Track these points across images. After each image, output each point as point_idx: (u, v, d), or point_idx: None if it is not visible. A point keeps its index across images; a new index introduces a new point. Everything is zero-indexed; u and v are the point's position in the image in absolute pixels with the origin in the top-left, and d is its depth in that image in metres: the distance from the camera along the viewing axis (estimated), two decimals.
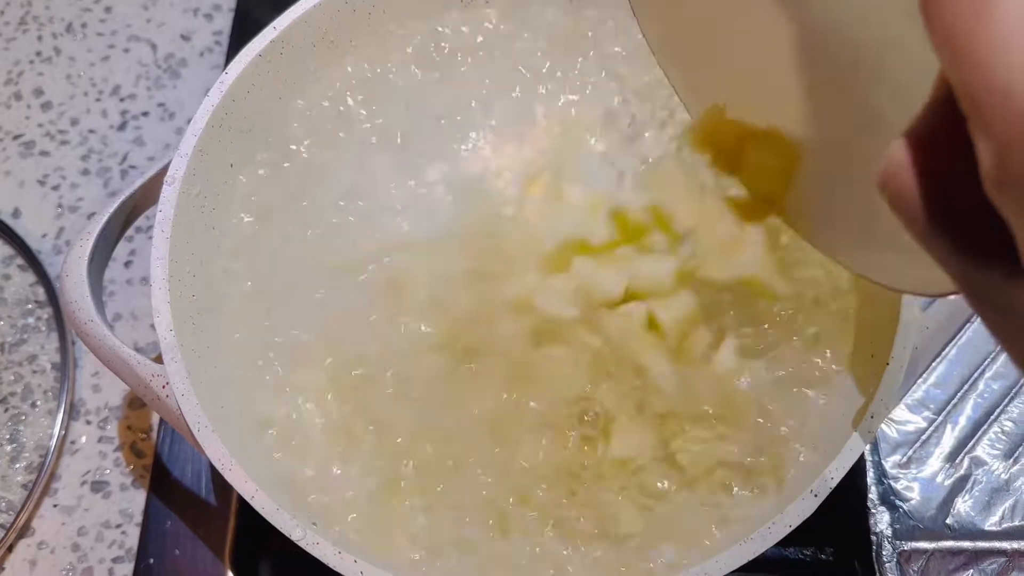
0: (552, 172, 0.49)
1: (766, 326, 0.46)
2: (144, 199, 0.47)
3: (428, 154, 0.50)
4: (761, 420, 0.44)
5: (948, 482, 0.50)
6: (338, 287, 0.47)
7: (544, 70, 0.52)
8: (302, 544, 0.37)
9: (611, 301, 0.45)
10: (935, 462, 0.50)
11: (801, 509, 0.37)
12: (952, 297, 0.42)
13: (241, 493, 0.38)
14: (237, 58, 0.46)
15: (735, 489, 0.42)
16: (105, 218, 0.44)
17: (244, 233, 0.48)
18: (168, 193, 0.43)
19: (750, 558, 0.37)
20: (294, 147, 0.50)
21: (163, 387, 0.41)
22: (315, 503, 0.42)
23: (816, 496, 0.37)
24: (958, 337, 0.53)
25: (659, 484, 0.43)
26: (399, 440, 0.44)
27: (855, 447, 0.38)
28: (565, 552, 0.41)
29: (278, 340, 0.46)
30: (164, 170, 0.44)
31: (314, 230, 0.49)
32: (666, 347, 0.44)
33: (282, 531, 0.38)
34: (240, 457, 0.39)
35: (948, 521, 0.49)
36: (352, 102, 0.51)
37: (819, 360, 0.44)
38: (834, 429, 0.42)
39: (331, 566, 0.37)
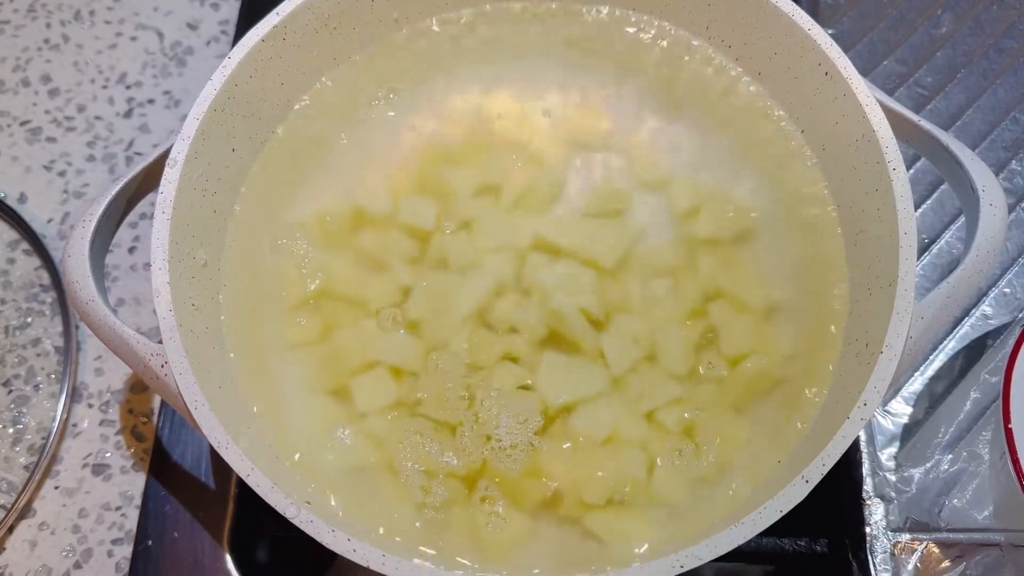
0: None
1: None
2: (147, 182, 0.47)
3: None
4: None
5: (943, 475, 0.50)
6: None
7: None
8: (296, 522, 0.37)
9: None
10: (931, 455, 0.50)
11: (792, 495, 0.37)
12: (947, 288, 0.42)
13: (237, 471, 0.38)
14: (240, 43, 0.46)
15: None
16: (108, 200, 0.45)
17: (245, 218, 0.48)
18: (170, 175, 0.43)
19: (740, 542, 0.36)
20: (296, 131, 0.51)
21: (162, 366, 0.41)
22: (304, 483, 0.43)
23: (807, 482, 0.37)
24: (956, 330, 0.53)
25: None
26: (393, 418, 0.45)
27: (847, 434, 0.38)
28: None
29: (276, 323, 0.47)
30: (167, 153, 0.45)
31: (317, 214, 0.49)
32: None
33: (276, 509, 0.38)
34: (236, 436, 0.39)
35: (942, 514, 0.49)
36: (352, 87, 0.52)
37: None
38: (827, 417, 0.42)
39: (325, 544, 0.37)
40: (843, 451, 0.38)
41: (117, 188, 0.45)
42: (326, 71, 0.51)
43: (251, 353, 0.46)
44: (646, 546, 0.41)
